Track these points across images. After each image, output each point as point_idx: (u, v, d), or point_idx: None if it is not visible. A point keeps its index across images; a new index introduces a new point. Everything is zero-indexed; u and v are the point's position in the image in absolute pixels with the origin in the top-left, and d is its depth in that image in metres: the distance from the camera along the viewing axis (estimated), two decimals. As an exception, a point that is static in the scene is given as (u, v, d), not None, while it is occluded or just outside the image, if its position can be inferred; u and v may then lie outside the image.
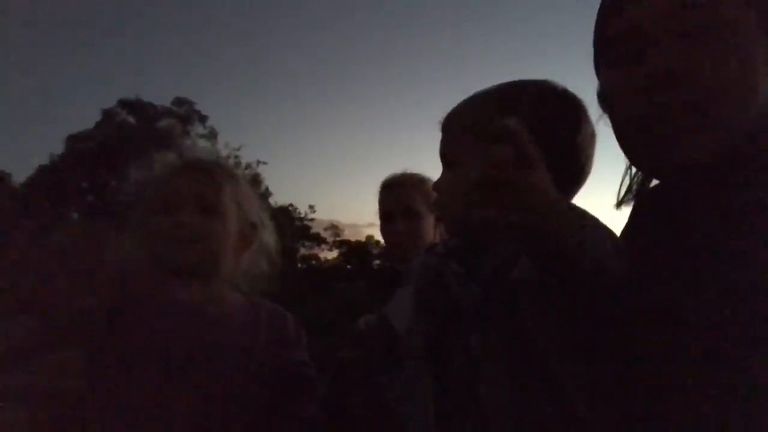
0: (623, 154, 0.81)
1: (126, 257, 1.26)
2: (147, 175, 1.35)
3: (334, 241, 38.46)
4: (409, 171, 1.99)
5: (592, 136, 0.93)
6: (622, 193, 0.87)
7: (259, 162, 30.29)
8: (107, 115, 27.66)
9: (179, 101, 28.93)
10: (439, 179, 0.99)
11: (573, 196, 0.93)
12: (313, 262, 36.72)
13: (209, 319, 1.24)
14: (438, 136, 1.01)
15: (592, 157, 0.93)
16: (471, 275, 0.91)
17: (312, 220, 35.72)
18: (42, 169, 25.93)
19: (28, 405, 1.08)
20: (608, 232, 0.72)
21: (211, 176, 1.30)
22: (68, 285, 1.21)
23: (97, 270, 1.24)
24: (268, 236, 1.43)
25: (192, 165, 1.35)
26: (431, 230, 1.90)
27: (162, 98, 33.73)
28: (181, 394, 1.11)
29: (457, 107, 1.00)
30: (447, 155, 0.98)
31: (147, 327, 1.16)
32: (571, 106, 0.92)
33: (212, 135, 29.20)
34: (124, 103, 28.05)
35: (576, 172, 0.92)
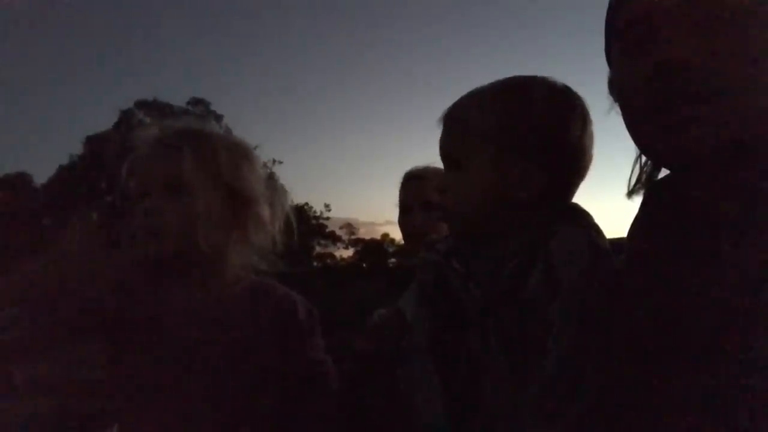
0: (633, 143, 0.80)
1: (123, 254, 1.16)
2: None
3: (350, 240, 38.60)
4: (433, 165, 1.98)
5: (592, 135, 0.94)
6: (633, 182, 0.86)
7: (274, 161, 30.56)
8: (125, 115, 28.05)
9: (195, 101, 29.28)
10: (446, 181, 0.96)
11: (576, 191, 0.95)
12: (329, 260, 36.84)
13: (205, 321, 1.13)
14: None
15: (592, 154, 0.94)
16: (471, 275, 0.92)
17: (327, 218, 35.88)
18: (62, 170, 26.38)
19: (53, 396, 1.09)
20: None
21: (170, 149, 1.12)
22: (81, 280, 1.15)
23: (104, 267, 1.17)
24: (276, 207, 1.26)
25: (154, 141, 1.16)
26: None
27: (178, 99, 34.21)
28: (183, 398, 1.07)
29: (461, 105, 0.96)
30: (451, 155, 0.95)
31: (144, 331, 1.09)
32: (578, 105, 0.93)
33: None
34: (141, 104, 28.44)
35: (580, 169, 0.93)
